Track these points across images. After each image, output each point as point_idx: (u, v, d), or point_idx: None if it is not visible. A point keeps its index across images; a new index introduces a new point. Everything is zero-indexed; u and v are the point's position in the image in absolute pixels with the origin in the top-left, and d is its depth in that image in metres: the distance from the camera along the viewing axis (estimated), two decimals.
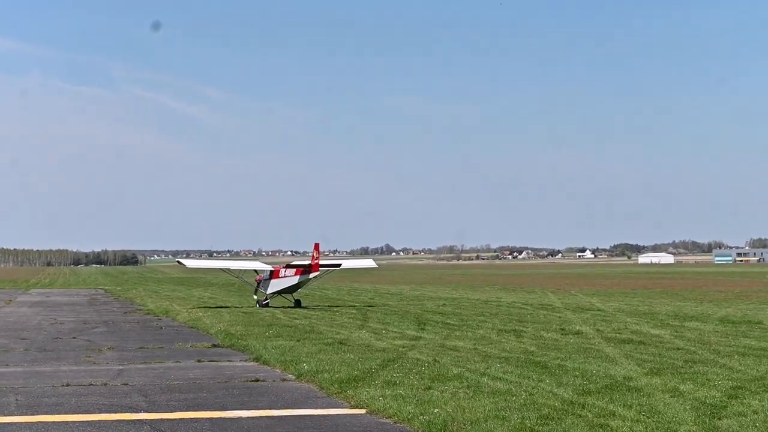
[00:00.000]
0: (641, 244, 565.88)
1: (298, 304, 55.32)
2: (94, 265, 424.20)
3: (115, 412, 17.78)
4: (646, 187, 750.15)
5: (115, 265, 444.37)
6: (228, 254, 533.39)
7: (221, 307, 55.66)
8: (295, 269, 54.92)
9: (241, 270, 65.05)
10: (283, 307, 54.11)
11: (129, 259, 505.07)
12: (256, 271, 59.11)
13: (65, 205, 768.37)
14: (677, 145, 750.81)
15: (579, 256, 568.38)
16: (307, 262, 55.45)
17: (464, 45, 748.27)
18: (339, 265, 63.71)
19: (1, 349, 30.90)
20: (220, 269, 68.42)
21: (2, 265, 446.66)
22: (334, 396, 19.74)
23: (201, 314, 46.71)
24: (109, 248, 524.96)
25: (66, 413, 17.71)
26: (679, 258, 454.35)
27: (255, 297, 57.21)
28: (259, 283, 56.72)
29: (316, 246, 55.04)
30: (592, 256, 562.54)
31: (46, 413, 17.72)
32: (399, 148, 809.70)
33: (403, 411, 17.20)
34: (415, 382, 20.82)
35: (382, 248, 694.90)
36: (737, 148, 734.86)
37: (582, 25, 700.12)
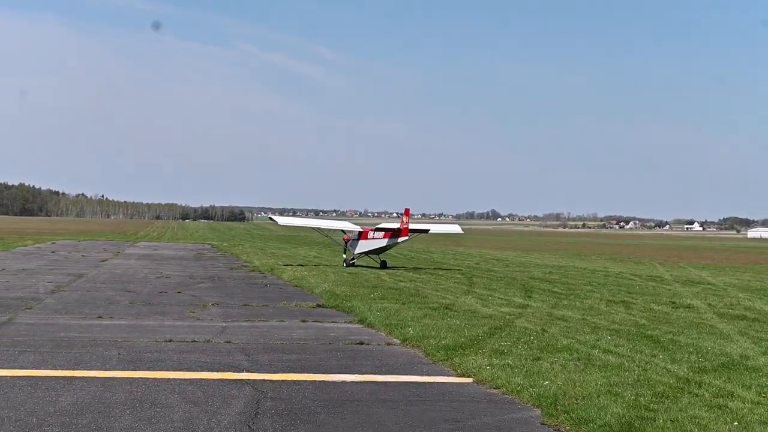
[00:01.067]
0: (751, 218, 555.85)
1: (383, 265, 55.96)
2: (202, 220, 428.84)
3: (217, 371, 17.41)
4: (756, 159, 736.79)
5: (222, 220, 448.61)
6: (334, 214, 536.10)
7: (326, 265, 55.49)
8: (384, 232, 55.78)
9: (330, 229, 65.61)
10: (371, 267, 55.14)
11: (236, 215, 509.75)
12: (343, 231, 59.84)
13: (175, 161, 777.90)
14: None
15: (687, 228, 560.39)
16: (396, 226, 56.17)
17: (571, 15, 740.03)
18: (427, 230, 64.71)
19: (106, 301, 30.93)
20: (311, 227, 69.37)
21: (113, 217, 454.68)
22: (440, 363, 19.14)
23: (306, 273, 46.51)
24: (217, 204, 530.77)
25: (167, 370, 17.40)
26: None
27: (344, 256, 58.02)
28: (347, 243, 57.85)
29: (406, 211, 56.40)
30: (701, 228, 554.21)
31: (148, 369, 17.42)
32: (506, 114, 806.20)
33: (511, 382, 16.56)
34: (523, 352, 20.14)
35: (488, 213, 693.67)
36: None
37: None
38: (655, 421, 13.77)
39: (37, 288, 35.02)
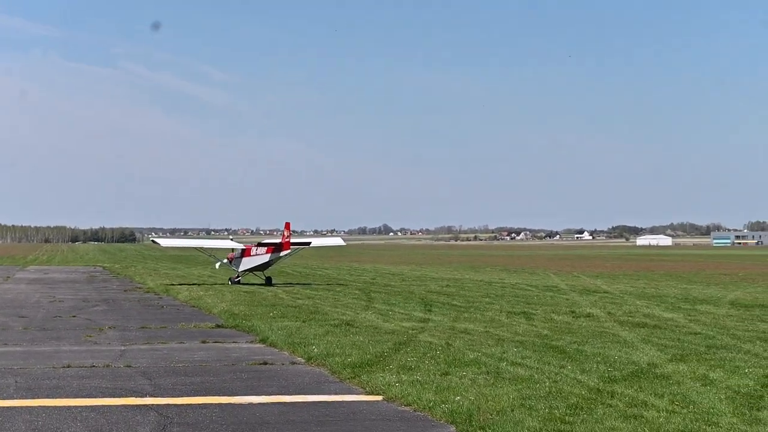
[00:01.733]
0: (639, 226, 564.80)
1: (269, 281, 56.18)
2: (92, 242, 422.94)
3: (119, 396, 16.89)
4: (644, 169, 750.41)
5: (113, 242, 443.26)
6: (226, 232, 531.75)
7: (222, 284, 54.80)
8: (266, 247, 55.82)
9: (213, 248, 66.31)
10: (256, 284, 55.26)
11: (127, 236, 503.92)
12: (232, 249, 59.46)
13: (63, 182, 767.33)
14: (675, 127, 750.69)
15: (577, 237, 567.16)
16: (277, 241, 56.53)
17: (453, 18, 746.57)
18: (309, 243, 66.12)
19: None
20: (194, 248, 69.86)
21: (0, 241, 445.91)
22: (348, 381, 18.83)
23: (202, 293, 45.88)
24: (107, 225, 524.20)
25: (67, 397, 16.84)
26: (677, 240, 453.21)
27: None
28: (231, 261, 57.77)
29: (287, 225, 56.26)
30: (590, 237, 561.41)
31: (47, 396, 16.83)
32: (396, 127, 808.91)
33: (422, 398, 16.32)
34: (431, 367, 19.92)
35: (380, 228, 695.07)
36: (737, 130, 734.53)
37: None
38: None
39: None
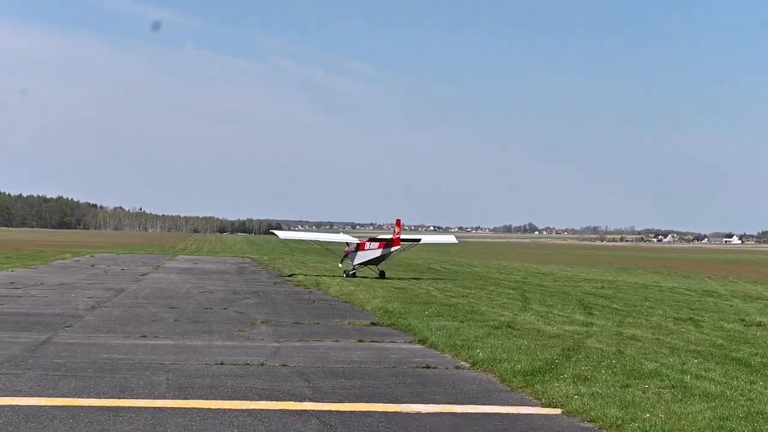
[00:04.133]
0: None
1: (382, 275, 57.75)
2: (239, 234, 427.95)
3: (277, 400, 15.69)
4: None
5: (259, 234, 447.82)
6: (371, 227, 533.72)
7: (371, 278, 53.83)
8: (378, 243, 57.90)
9: (328, 242, 68.47)
10: (371, 276, 56.74)
11: (274, 228, 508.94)
12: (347, 243, 61.21)
13: (213, 174, 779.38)
14: None
15: (725, 241, 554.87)
16: (389, 237, 58.28)
17: (599, 23, 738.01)
18: (419, 240, 66.76)
19: (150, 318, 29.35)
20: (311, 241, 75.41)
21: (150, 230, 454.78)
22: (520, 390, 17.33)
23: (353, 288, 44.85)
24: (254, 217, 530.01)
25: (222, 398, 15.69)
26: None
27: (340, 266, 60.65)
28: (347, 255, 59.91)
29: (398, 222, 58.88)
30: (739, 241, 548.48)
31: (200, 397, 15.72)
32: (542, 126, 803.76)
33: (607, 414, 14.76)
34: (608, 377, 18.29)
35: (525, 226, 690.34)
36: None
37: None
38: None
39: (76, 304, 33.55)
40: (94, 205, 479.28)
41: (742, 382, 18.30)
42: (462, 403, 15.97)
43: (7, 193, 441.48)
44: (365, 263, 57.76)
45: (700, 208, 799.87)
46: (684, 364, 20.75)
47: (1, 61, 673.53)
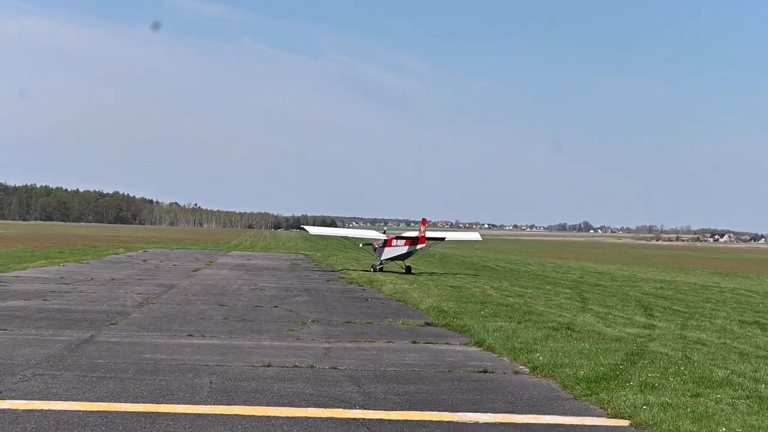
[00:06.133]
0: None
1: (408, 270, 60.27)
2: (294, 230, 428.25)
3: (325, 407, 14.72)
4: None
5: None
6: None
7: (428, 274, 52.86)
8: (404, 240, 60.24)
9: (356, 237, 73.12)
10: (397, 272, 59.24)
11: (328, 224, 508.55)
12: (376, 240, 64.25)
13: (268, 171, 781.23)
14: None
15: None
16: (415, 234, 60.48)
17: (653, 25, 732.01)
18: (443, 238, 69.32)
19: (198, 316, 28.55)
20: (340, 236, 78.88)
21: (206, 226, 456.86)
22: (583, 399, 16.21)
23: (407, 286, 43.92)
24: (309, 214, 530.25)
25: (267, 404, 14.76)
26: None
27: (371, 261, 64.00)
28: (375, 250, 63.00)
29: (423, 221, 60.61)
30: None
31: (244, 402, 14.80)
32: (596, 125, 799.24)
33: (680, 428, 13.64)
34: (677, 386, 17.16)
35: (580, 225, 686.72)
36: None
37: None
38: None
39: (124, 300, 32.85)
40: (150, 201, 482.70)
41: None
42: (522, 413, 14.94)
43: (64, 188, 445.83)
44: (392, 259, 60.53)
45: (758, 207, 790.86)
46: (756, 371, 19.60)
47: (57, 60, 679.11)
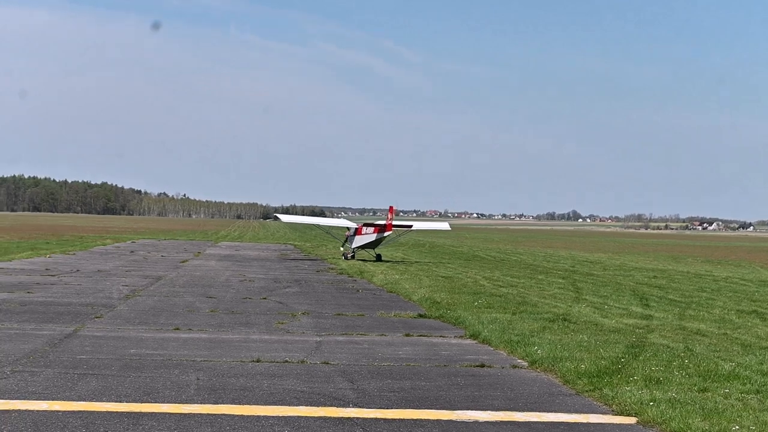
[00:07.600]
0: None
1: (378, 258, 61.96)
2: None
3: (317, 405, 14.03)
4: None
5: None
6: (414, 214, 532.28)
7: (417, 263, 52.22)
8: (373, 228, 61.78)
9: (329, 226, 76.69)
10: (367, 260, 60.40)
11: (317, 215, 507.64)
12: (347, 228, 66.13)
13: (257, 161, 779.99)
14: None
15: None
16: (382, 222, 62.43)
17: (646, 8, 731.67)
18: (410, 226, 69.68)
19: (185, 308, 27.83)
20: (312, 224, 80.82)
21: (194, 216, 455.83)
22: (587, 395, 15.53)
23: (398, 277, 43.28)
24: (298, 203, 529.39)
25: (256, 403, 14.08)
26: None
27: (342, 249, 65.94)
28: (347, 238, 64.81)
29: (391, 209, 63.01)
30: None
31: (232, 401, 14.11)
32: (586, 113, 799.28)
33: (690, 426, 12.99)
34: (683, 380, 16.49)
35: (568, 214, 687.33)
36: None
37: None
38: None
39: (110, 292, 32.13)
40: (139, 191, 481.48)
41: None
42: (523, 410, 14.28)
43: (52, 179, 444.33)
44: (363, 246, 62.03)
45: (746, 195, 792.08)
46: (762, 363, 19.01)
47: (41, 48, 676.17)
